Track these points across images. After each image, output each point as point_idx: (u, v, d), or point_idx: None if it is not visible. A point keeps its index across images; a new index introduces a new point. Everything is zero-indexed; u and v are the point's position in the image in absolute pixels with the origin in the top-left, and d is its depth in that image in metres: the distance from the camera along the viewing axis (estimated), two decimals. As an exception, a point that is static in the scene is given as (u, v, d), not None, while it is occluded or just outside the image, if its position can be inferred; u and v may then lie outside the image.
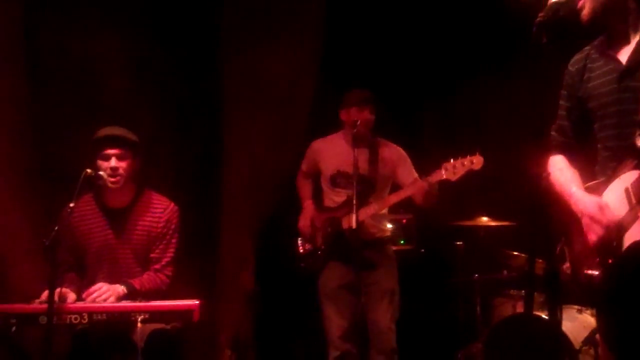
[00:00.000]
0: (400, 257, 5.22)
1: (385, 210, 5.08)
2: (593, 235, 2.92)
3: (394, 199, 4.92)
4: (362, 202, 4.79)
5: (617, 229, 2.87)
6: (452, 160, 4.62)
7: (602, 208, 2.93)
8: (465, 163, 4.60)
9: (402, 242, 5.76)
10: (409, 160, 5.08)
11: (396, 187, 5.04)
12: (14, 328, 3.61)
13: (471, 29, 5.90)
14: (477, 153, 4.60)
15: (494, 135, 5.15)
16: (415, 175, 4.99)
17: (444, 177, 4.63)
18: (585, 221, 2.96)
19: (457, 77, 6.00)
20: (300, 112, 5.80)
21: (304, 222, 5.10)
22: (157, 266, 4.16)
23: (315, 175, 5.22)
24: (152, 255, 4.18)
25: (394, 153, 5.08)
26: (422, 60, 6.15)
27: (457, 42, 6.01)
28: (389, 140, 5.14)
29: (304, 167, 5.28)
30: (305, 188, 5.26)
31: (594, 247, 2.93)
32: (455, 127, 6.11)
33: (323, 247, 5.00)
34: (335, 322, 4.94)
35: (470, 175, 4.62)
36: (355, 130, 4.78)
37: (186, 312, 3.66)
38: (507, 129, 5.42)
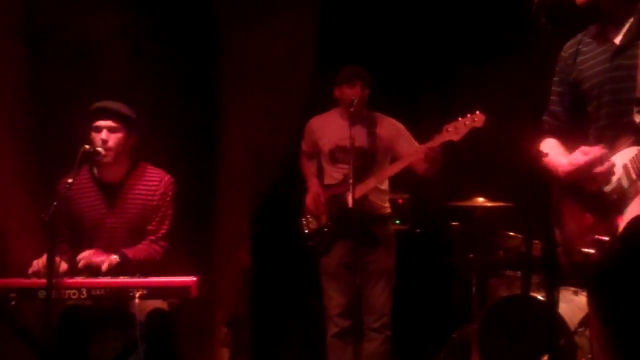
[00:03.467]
0: (396, 237, 5.23)
1: (387, 187, 5.12)
2: (597, 176, 2.92)
3: (393, 169, 4.96)
4: (362, 176, 4.82)
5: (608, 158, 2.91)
6: (451, 122, 4.69)
7: (584, 151, 2.98)
8: (467, 122, 4.66)
9: (397, 222, 5.75)
10: (406, 131, 5.11)
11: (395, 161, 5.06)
12: (13, 302, 3.62)
13: (470, 6, 5.88)
14: (477, 111, 4.66)
15: (491, 115, 5.14)
16: (417, 145, 5.01)
17: (447, 138, 4.68)
18: (579, 176, 2.97)
19: (455, 55, 5.98)
20: (297, 89, 5.79)
21: (311, 199, 5.09)
22: (152, 237, 4.17)
23: (317, 154, 5.23)
24: (148, 227, 4.18)
25: (391, 126, 5.10)
26: (420, 38, 6.12)
27: (456, 19, 5.99)
28: (386, 115, 5.15)
29: (304, 146, 5.28)
30: (308, 167, 5.26)
31: (598, 193, 2.93)
32: (452, 106, 6.09)
33: (329, 224, 5.02)
34: (335, 299, 4.98)
35: (473, 133, 4.66)
36: (352, 109, 4.78)
37: (184, 288, 3.66)
38: (505, 108, 5.42)
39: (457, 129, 4.67)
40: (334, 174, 5.07)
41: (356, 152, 4.73)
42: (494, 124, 4.74)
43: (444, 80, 6.13)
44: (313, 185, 5.15)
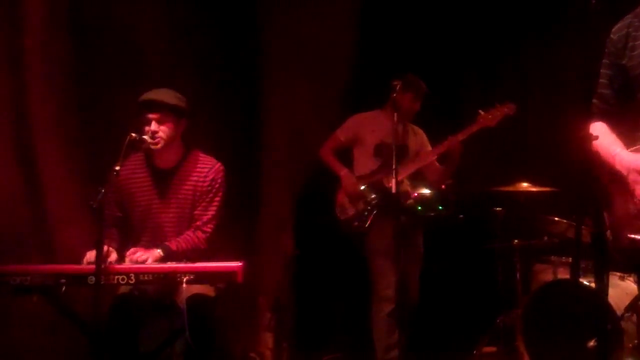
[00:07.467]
0: (439, 223, 5.23)
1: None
2: None
3: (434, 153, 5.31)
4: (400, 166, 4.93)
5: None
6: (482, 112, 5.12)
7: None
8: (499, 111, 5.10)
9: (440, 207, 5.72)
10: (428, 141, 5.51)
11: None
12: (63, 288, 3.69)
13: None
14: (507, 102, 5.08)
15: (536, 100, 5.12)
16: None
17: (483, 124, 5.10)
18: (632, 177, 2.93)
19: (500, 40, 5.94)
20: (339, 75, 5.81)
21: (350, 186, 5.25)
22: (198, 223, 4.20)
23: (347, 148, 5.39)
24: (195, 212, 4.22)
25: (421, 134, 5.49)
26: (464, 23, 6.09)
27: (501, 2, 5.94)
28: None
29: (341, 136, 5.41)
30: (337, 160, 5.41)
31: None
32: (497, 92, 6.05)
33: (369, 208, 5.14)
34: (389, 276, 4.99)
35: (506, 120, 5.08)
36: (401, 112, 5.00)
37: (230, 274, 3.70)
38: (550, 93, 5.38)
39: (491, 116, 5.10)
40: (372, 165, 5.27)
41: (398, 145, 4.80)
42: (538, 109, 4.70)
43: (489, 64, 6.07)
44: (347, 174, 5.32)
